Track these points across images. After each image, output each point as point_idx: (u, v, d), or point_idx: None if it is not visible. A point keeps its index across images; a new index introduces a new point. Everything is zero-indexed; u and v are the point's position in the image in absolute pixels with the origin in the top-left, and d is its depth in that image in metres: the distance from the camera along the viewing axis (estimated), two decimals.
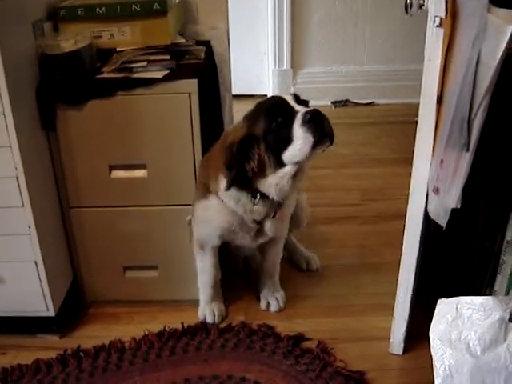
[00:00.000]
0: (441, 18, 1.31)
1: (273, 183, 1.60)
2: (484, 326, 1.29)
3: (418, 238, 1.59)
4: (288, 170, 1.58)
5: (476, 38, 1.23)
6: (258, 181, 1.61)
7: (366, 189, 2.74)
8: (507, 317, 1.28)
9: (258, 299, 2.00)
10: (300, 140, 1.50)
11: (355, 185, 2.78)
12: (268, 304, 1.97)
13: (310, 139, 1.49)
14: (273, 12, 3.62)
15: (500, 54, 1.19)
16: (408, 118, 3.47)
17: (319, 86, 3.79)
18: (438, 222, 1.47)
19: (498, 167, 1.62)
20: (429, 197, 1.51)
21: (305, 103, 1.63)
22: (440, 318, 1.38)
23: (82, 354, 1.77)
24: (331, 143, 1.55)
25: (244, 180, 1.60)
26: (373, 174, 2.90)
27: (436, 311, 1.41)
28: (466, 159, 1.33)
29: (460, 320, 1.34)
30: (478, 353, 1.28)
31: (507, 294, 1.62)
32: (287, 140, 1.52)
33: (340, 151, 3.14)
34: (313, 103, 3.74)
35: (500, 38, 1.18)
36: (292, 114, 1.53)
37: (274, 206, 1.70)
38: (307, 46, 3.73)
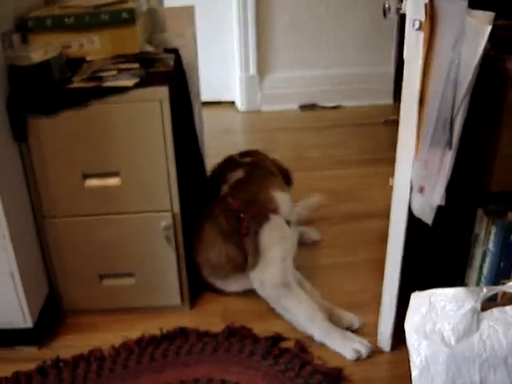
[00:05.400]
0: (420, 22, 1.34)
1: None
2: (457, 316, 1.33)
3: (403, 236, 1.60)
4: None
5: (457, 41, 1.27)
6: None
7: (336, 190, 2.77)
8: (479, 306, 1.33)
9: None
10: None
11: (325, 186, 2.81)
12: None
13: None
14: (238, 19, 3.64)
15: (480, 53, 1.24)
16: (375, 120, 3.56)
17: (286, 91, 3.83)
18: (424, 219, 1.50)
19: (464, 164, 1.66)
20: (413, 196, 1.53)
21: None
22: (414, 311, 1.42)
23: (61, 364, 1.77)
24: None
25: None
26: (342, 175, 2.93)
27: (410, 304, 1.45)
28: (449, 157, 1.38)
29: (434, 312, 1.37)
30: (453, 343, 1.32)
31: (477, 286, 1.67)
32: None
33: (309, 154, 3.19)
34: (280, 108, 3.83)
35: (479, 39, 1.23)
36: None
37: None
38: (273, 52, 3.76)
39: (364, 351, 1.72)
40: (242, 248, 1.91)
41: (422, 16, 1.33)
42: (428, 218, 1.48)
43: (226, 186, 2.01)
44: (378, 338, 1.77)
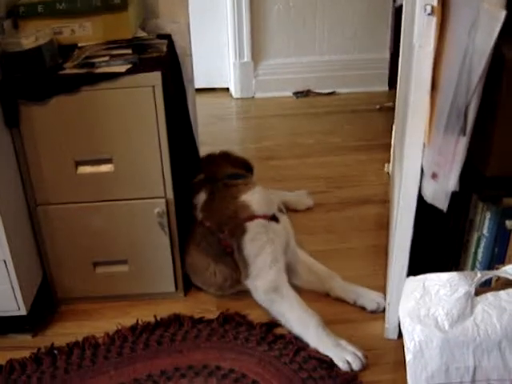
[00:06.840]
0: (432, 6, 1.32)
1: None
2: (451, 301, 1.33)
3: (412, 224, 1.58)
4: None
5: (472, 27, 1.26)
6: None
7: (330, 176, 2.77)
8: (473, 291, 1.33)
9: None
10: None
11: (319, 173, 2.80)
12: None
13: None
14: (232, 4, 3.61)
15: (494, 39, 1.23)
16: (369, 106, 3.55)
17: (280, 78, 3.81)
18: (438, 205, 1.49)
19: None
20: (425, 183, 1.51)
21: None
22: (408, 296, 1.42)
23: (55, 352, 1.77)
24: None
25: None
26: (336, 161, 2.92)
27: (404, 289, 1.45)
28: (463, 143, 1.37)
29: (427, 296, 1.38)
30: (447, 327, 1.32)
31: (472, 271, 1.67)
32: None
33: (303, 141, 3.18)
34: (275, 94, 3.81)
35: (494, 25, 1.22)
36: None
37: None
38: (267, 38, 3.73)
39: (355, 365, 1.64)
40: (234, 263, 1.91)
41: (434, 1, 1.31)
42: (442, 204, 1.47)
43: (197, 211, 2.00)
44: (386, 325, 1.75)
